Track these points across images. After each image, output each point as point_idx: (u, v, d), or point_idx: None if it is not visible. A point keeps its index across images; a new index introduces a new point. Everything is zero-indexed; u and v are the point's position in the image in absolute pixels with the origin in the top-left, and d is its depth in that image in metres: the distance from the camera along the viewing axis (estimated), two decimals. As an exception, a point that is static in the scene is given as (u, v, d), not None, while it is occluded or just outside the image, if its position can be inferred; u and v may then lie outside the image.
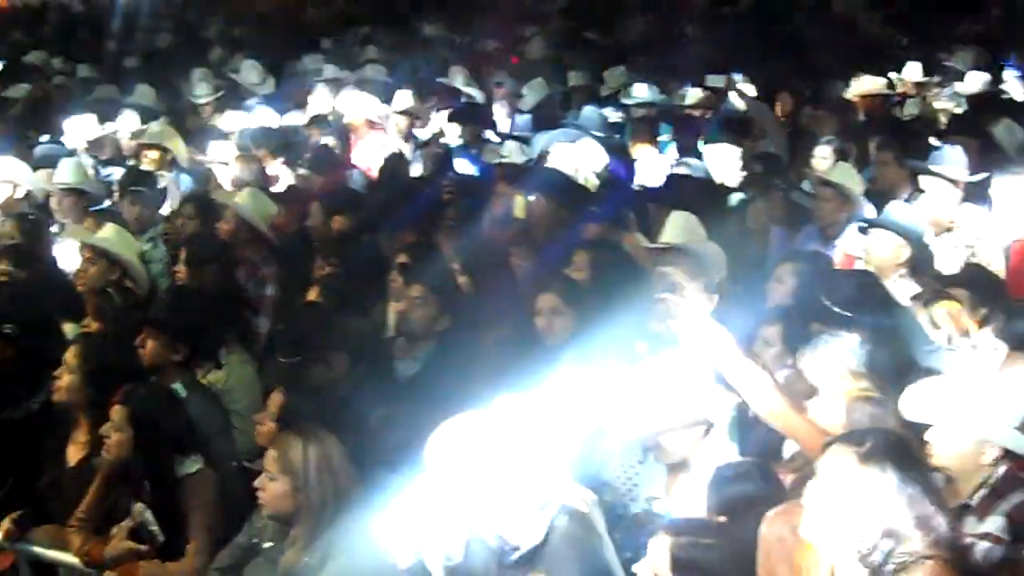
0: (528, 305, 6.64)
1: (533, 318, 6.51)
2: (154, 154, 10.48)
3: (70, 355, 5.91)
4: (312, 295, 7.31)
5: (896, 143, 9.24)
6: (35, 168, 10.21)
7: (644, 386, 5.06)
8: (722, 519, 4.48)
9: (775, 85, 12.83)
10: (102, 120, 12.38)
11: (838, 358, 5.01)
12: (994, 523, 4.51)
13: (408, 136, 11.89)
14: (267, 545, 5.17)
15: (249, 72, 15.10)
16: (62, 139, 12.00)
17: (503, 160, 10.17)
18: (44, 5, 24.94)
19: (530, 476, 4.24)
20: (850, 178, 8.30)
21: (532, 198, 8.52)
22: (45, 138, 12.28)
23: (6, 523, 5.81)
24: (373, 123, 12.36)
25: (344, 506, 4.97)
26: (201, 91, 14.42)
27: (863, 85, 12.28)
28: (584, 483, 4.64)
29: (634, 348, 5.75)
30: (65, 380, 5.87)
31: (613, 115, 12.25)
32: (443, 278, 7.09)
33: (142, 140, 10.83)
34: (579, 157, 9.54)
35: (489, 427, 4.28)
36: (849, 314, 5.55)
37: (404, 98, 12.23)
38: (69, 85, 16.05)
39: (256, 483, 5.06)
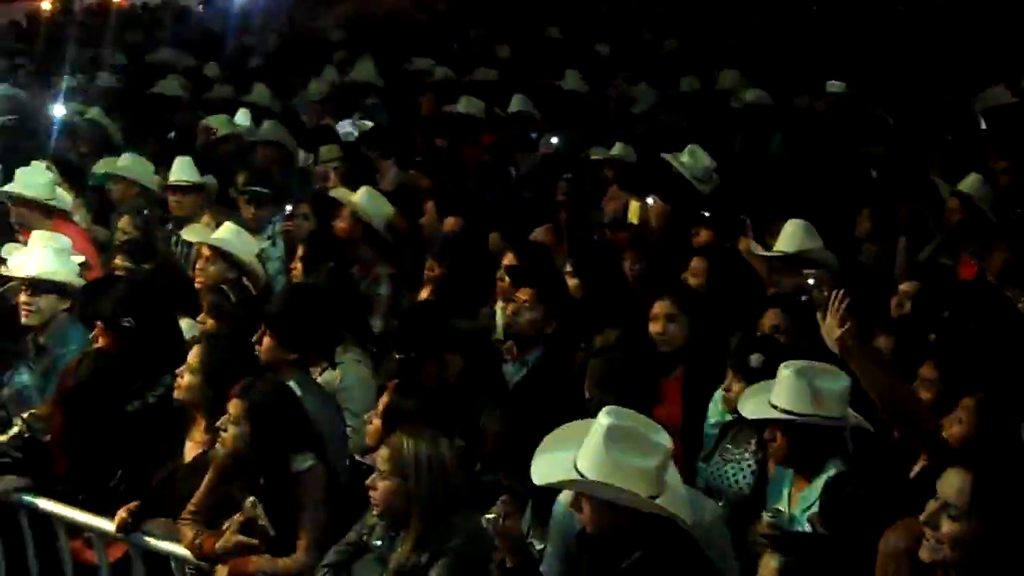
0: (641, 310, 6.60)
1: (646, 323, 6.47)
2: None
3: (192, 355, 5.98)
4: (424, 295, 7.33)
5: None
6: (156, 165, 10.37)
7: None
8: (835, 533, 4.42)
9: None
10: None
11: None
12: None
13: (522, 139, 11.88)
14: (376, 543, 5.18)
15: (365, 72, 15.22)
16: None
17: (616, 162, 10.12)
18: (164, 4, 25.43)
19: (643, 486, 4.20)
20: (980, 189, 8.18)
21: (648, 201, 8.47)
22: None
23: (121, 514, 5.89)
24: (482, 125, 12.42)
25: (454, 506, 4.97)
26: (316, 90, 14.60)
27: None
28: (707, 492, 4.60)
29: (748, 358, 5.68)
30: (186, 380, 5.94)
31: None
32: (553, 281, 7.07)
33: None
34: (692, 161, 9.46)
35: (598, 435, 4.25)
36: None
37: (518, 100, 12.23)
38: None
39: (367, 481, 5.08)
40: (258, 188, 9.58)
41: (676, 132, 11.25)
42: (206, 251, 7.95)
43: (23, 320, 7.17)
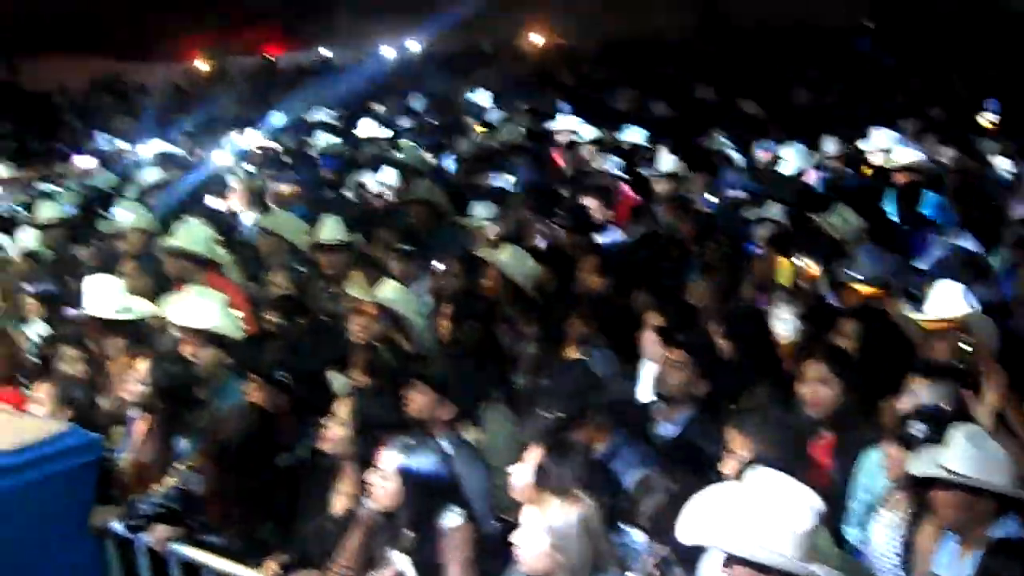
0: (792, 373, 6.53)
1: (796, 386, 6.39)
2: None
3: (343, 409, 6.05)
4: (569, 353, 7.33)
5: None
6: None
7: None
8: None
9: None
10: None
11: None
12: None
13: (672, 199, 11.84)
14: (522, 601, 5.16)
15: (512, 132, 15.37)
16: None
17: (767, 223, 10.05)
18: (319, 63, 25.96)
19: (795, 550, 4.14)
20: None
21: (799, 262, 8.39)
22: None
23: (271, 566, 5.98)
24: (630, 183, 12.42)
25: (600, 568, 4.94)
26: (464, 149, 14.79)
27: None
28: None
29: (910, 427, 5.57)
30: (336, 432, 6.01)
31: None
32: (702, 341, 7.03)
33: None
34: (843, 222, 9.35)
35: (747, 499, 4.20)
36: None
37: (669, 161, 12.20)
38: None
39: (513, 539, 5.07)
40: (407, 246, 9.71)
41: (826, 193, 11.16)
42: (370, 309, 8.07)
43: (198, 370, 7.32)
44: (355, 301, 8.41)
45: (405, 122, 18.52)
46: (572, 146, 14.42)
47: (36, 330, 8.90)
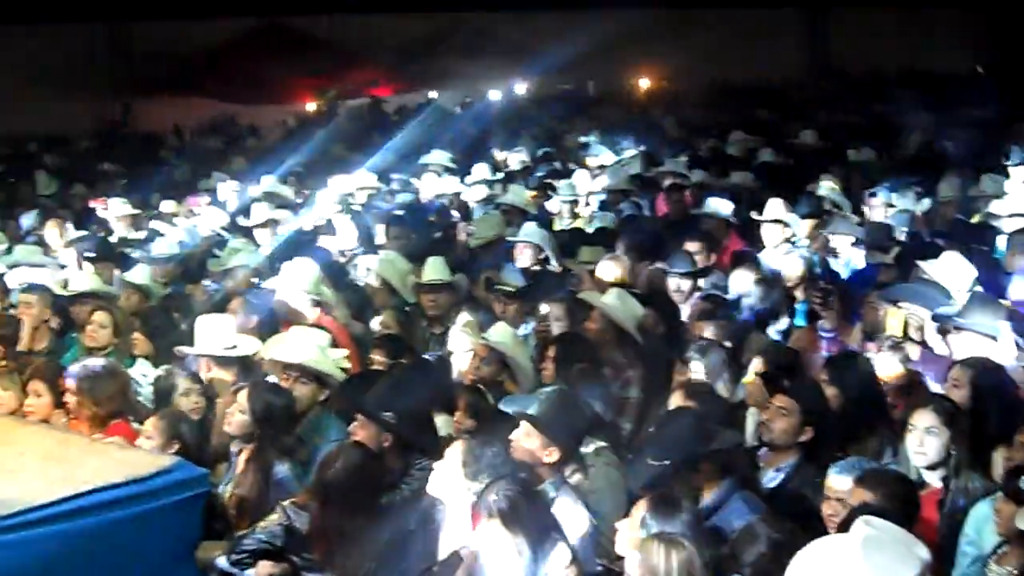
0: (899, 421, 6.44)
1: (904, 435, 6.31)
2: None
3: (451, 453, 6.09)
4: (675, 400, 7.30)
5: None
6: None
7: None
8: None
9: None
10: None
11: None
12: None
13: (779, 245, 11.74)
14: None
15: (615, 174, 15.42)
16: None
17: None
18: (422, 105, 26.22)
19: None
20: None
21: (907, 309, 8.28)
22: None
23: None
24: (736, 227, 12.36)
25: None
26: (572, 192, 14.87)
27: None
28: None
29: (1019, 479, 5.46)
30: (442, 474, 6.03)
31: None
32: (809, 388, 6.96)
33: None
34: (948, 270, 9.20)
35: (855, 550, 4.14)
36: None
37: (776, 206, 12.09)
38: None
39: (617, 585, 5.06)
40: (511, 287, 9.75)
41: (935, 240, 11.01)
42: (481, 351, 8.10)
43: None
44: (462, 342, 8.45)
45: (511, 164, 18.60)
46: (677, 189, 14.39)
47: (146, 366, 9.05)
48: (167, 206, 15.94)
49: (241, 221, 14.32)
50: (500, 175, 17.18)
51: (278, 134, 25.27)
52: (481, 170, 17.07)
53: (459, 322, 8.87)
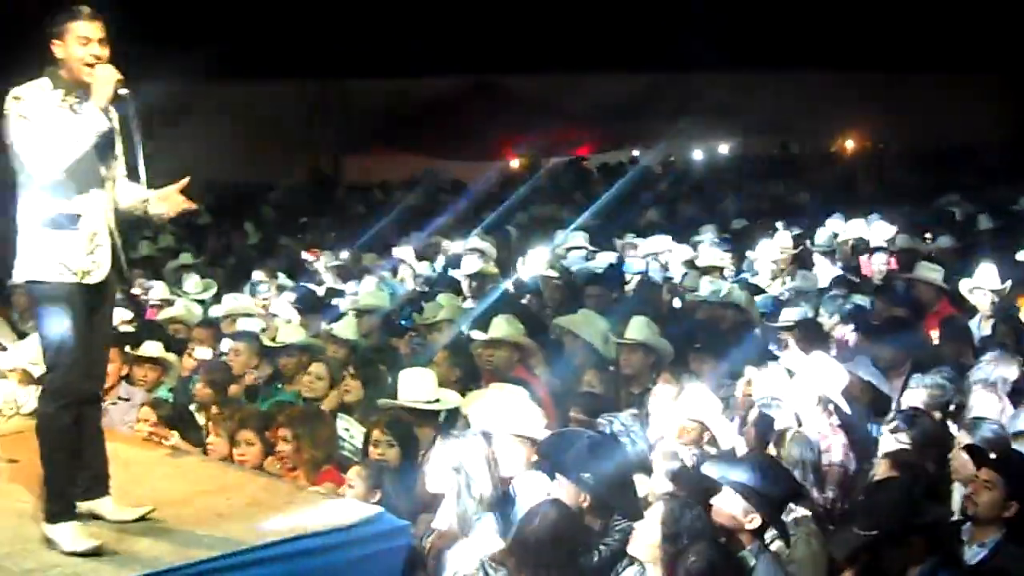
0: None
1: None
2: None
3: (651, 514, 6.07)
4: (881, 470, 7.14)
5: None
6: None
7: None
8: None
9: None
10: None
11: None
12: None
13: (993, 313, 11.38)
14: None
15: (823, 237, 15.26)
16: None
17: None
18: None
19: None
20: None
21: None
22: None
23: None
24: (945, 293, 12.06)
25: None
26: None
27: None
28: None
29: None
30: (644, 537, 6.02)
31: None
32: (1015, 461, 6.75)
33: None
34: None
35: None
36: None
37: (988, 272, 11.72)
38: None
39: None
40: (711, 352, 9.66)
41: None
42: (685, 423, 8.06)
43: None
44: (661, 405, 8.41)
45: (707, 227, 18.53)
46: (883, 252, 14.13)
47: (345, 419, 9.21)
48: (373, 259, 16.27)
49: (449, 274, 14.54)
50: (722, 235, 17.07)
51: (483, 190, 25.62)
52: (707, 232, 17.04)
53: (659, 383, 8.82)
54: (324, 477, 7.81)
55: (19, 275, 6.35)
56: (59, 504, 6.34)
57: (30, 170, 6.14)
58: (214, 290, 14.06)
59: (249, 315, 12.05)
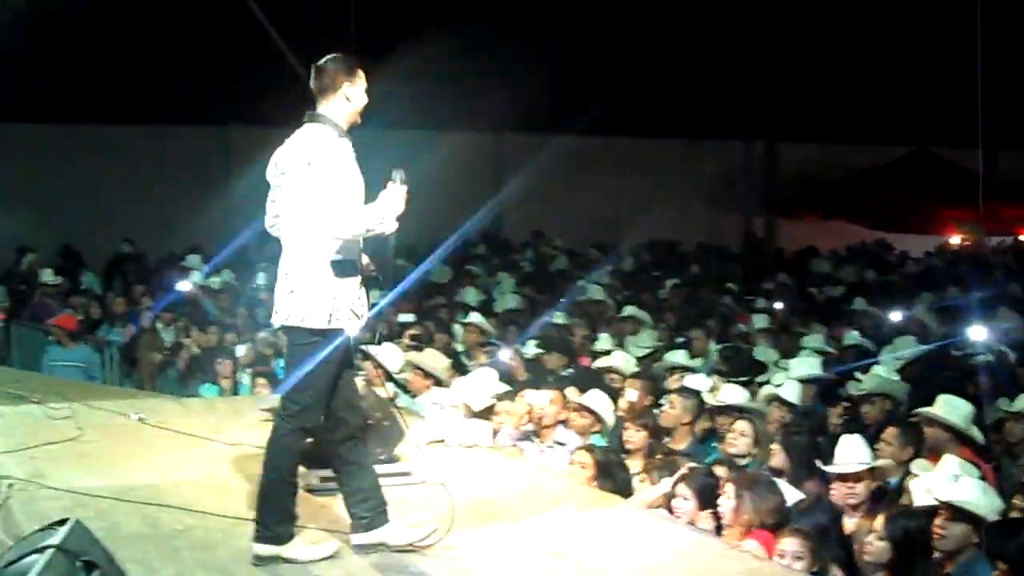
0: None
1: None
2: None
3: None
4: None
5: None
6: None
7: None
8: None
9: None
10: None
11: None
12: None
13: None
14: None
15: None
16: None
17: None
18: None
19: None
20: None
21: None
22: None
23: None
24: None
25: None
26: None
27: None
28: None
29: None
30: None
31: None
32: None
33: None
34: None
35: None
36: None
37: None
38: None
39: None
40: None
41: None
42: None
43: (934, 542, 7.26)
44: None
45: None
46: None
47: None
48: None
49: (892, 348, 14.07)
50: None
51: (923, 265, 24.89)
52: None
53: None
54: (753, 535, 7.70)
55: (300, 320, 6.53)
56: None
57: (327, 223, 6.35)
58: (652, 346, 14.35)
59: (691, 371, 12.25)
